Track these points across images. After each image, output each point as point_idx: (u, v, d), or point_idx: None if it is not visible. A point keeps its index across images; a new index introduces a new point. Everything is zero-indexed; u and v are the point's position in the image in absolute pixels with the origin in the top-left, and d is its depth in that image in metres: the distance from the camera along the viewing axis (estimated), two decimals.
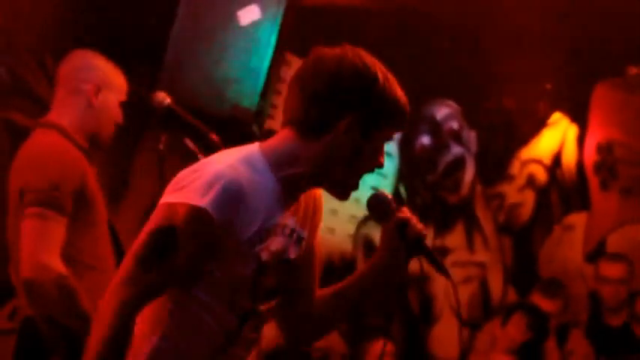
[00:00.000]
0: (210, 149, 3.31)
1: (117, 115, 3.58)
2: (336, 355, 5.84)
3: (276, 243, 2.39)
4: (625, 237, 6.88)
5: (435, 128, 6.55)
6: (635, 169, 6.90)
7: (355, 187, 2.48)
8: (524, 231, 6.84)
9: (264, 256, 2.36)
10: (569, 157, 6.95)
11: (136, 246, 2.25)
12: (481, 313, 6.60)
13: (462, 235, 6.59)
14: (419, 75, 6.23)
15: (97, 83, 3.51)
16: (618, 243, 6.82)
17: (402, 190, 6.44)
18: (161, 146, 3.41)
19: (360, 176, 2.47)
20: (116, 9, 4.70)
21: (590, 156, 6.92)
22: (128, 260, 2.25)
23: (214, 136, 3.31)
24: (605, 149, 6.89)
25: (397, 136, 6.31)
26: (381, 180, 6.31)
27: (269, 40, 5.13)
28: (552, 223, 6.89)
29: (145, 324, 2.36)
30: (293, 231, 2.46)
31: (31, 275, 3.18)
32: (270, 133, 6.16)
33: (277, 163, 2.38)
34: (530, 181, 6.86)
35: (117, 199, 5.00)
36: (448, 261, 6.52)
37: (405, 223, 2.47)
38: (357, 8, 6.02)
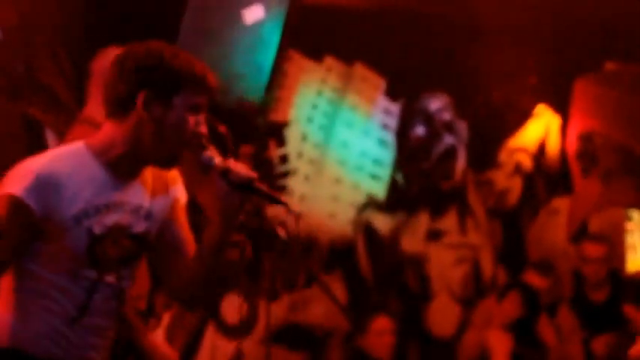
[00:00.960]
0: (219, 140, 3.23)
1: None
2: (339, 333, 5.78)
3: (112, 218, 2.49)
4: (605, 219, 6.89)
5: (429, 119, 6.52)
6: (614, 157, 6.92)
7: (174, 158, 2.53)
8: (513, 214, 6.82)
9: (97, 229, 2.46)
10: (553, 146, 6.94)
11: None
12: (473, 291, 6.55)
13: (455, 218, 6.55)
14: (414, 70, 6.22)
15: None
16: (599, 224, 6.83)
17: (399, 177, 6.35)
18: None
19: (177, 147, 2.50)
20: (127, 8, 4.61)
21: (572, 145, 6.91)
22: None
23: (223, 128, 3.21)
24: (585, 138, 6.91)
25: (394, 126, 6.35)
26: (379, 168, 6.25)
27: (272, 37, 5.15)
28: (538, 207, 6.87)
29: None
30: (139, 207, 2.54)
31: None
32: (273, 125, 6.13)
33: (99, 150, 2.50)
34: (518, 168, 6.85)
35: None
36: (443, 243, 6.47)
37: (226, 171, 2.50)
38: (355, 7, 5.97)
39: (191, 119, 2.48)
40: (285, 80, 5.83)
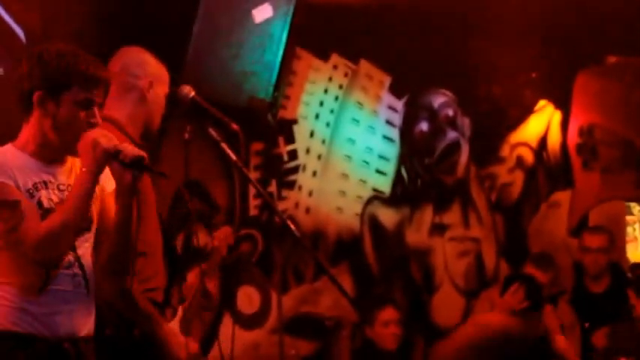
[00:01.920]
0: (231, 137, 3.29)
1: (164, 107, 3.51)
2: (347, 323, 5.82)
3: (45, 195, 2.73)
4: (605, 212, 6.92)
5: (432, 115, 6.53)
6: (614, 150, 6.92)
7: (70, 147, 2.75)
8: (515, 208, 6.83)
9: (45, 202, 2.72)
10: (554, 140, 6.95)
11: None
12: (476, 283, 6.59)
13: (458, 212, 6.57)
14: (418, 67, 6.23)
15: (149, 78, 3.42)
16: (599, 217, 6.85)
17: (404, 172, 6.38)
18: (186, 135, 3.37)
19: (73, 137, 2.72)
20: (142, 10, 4.66)
21: (573, 139, 6.94)
22: None
23: (235, 126, 3.28)
24: (586, 132, 6.91)
25: (398, 123, 6.39)
26: (385, 163, 6.28)
27: (281, 36, 5.16)
28: (540, 201, 6.90)
29: None
30: (68, 186, 2.77)
31: None
32: (282, 122, 6.16)
33: (20, 146, 2.77)
34: (519, 162, 6.86)
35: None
36: (446, 236, 6.50)
37: (117, 153, 2.69)
38: (360, 6, 5.97)
39: (81, 113, 2.72)
40: (294, 78, 5.83)
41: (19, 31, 4.29)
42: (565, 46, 6.62)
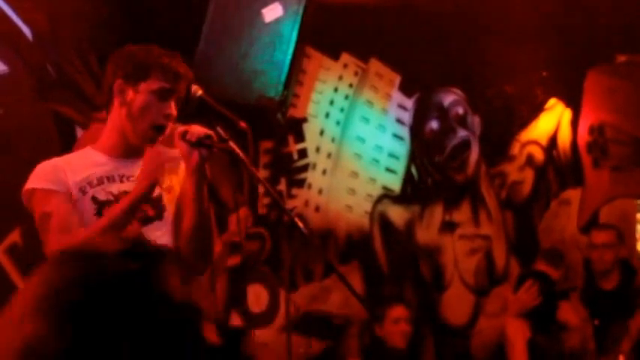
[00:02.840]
0: (240, 136, 3.27)
1: None
2: (357, 321, 5.80)
3: (117, 187, 2.82)
4: (615, 210, 6.91)
5: (443, 114, 6.51)
6: (624, 148, 6.91)
7: (144, 137, 2.83)
8: (525, 206, 6.82)
9: (102, 196, 2.80)
10: (565, 139, 6.94)
11: None
12: (487, 281, 6.57)
13: (469, 210, 6.54)
14: (428, 66, 6.22)
15: None
16: (609, 215, 6.85)
17: (414, 170, 6.36)
18: None
19: (147, 127, 2.80)
20: (152, 8, 4.65)
21: (584, 137, 6.93)
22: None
23: (243, 124, 3.25)
24: (596, 130, 6.91)
25: (408, 121, 6.37)
26: (395, 161, 6.27)
27: (291, 35, 5.17)
28: (550, 199, 6.88)
29: None
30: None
31: None
32: (292, 120, 6.13)
33: (98, 145, 2.88)
34: (530, 160, 6.85)
35: None
36: (456, 234, 6.49)
37: (184, 133, 2.81)
38: (370, 5, 5.97)
39: (157, 103, 2.80)
40: (304, 77, 5.83)
41: (27, 31, 4.28)
42: (575, 45, 6.61)
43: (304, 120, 5.87)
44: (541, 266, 6.00)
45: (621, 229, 6.13)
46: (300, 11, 5.14)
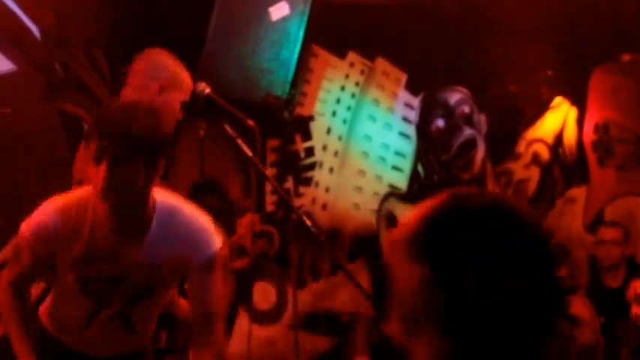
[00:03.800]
0: (246, 134, 3.26)
1: (177, 114, 3.42)
2: (365, 318, 5.77)
3: (108, 267, 2.67)
4: (620, 208, 6.84)
5: (449, 112, 6.50)
6: (629, 147, 6.87)
7: (112, 207, 2.59)
8: (530, 204, 6.75)
9: (91, 274, 2.68)
10: (570, 137, 6.90)
11: None
12: None
13: None
14: (434, 65, 6.20)
15: (162, 83, 3.33)
16: (615, 213, 6.78)
17: (420, 168, 6.35)
18: (201, 132, 3.34)
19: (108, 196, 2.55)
20: (159, 7, 4.65)
21: (589, 135, 6.87)
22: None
23: (250, 122, 3.24)
24: (602, 129, 6.86)
25: (414, 119, 6.35)
26: (401, 160, 6.25)
27: (297, 33, 5.15)
28: (555, 197, 6.84)
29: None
30: (140, 261, 2.66)
31: None
32: (299, 119, 6.12)
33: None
34: (535, 158, 6.82)
35: (162, 181, 4.97)
36: None
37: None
38: (376, 4, 5.97)
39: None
40: (311, 76, 5.84)
41: (35, 30, 4.28)
42: (581, 44, 6.57)
43: (311, 118, 5.87)
44: None
45: (627, 227, 6.13)
46: (307, 10, 5.14)
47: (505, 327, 1.32)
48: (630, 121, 6.81)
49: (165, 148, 2.58)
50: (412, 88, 6.27)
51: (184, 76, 3.41)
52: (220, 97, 3.28)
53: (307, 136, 5.85)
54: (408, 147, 6.29)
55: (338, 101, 5.97)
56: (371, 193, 6.10)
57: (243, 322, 5.28)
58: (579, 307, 5.64)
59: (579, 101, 6.85)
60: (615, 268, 5.85)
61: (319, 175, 5.87)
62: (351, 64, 6.03)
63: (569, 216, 6.86)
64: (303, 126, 5.83)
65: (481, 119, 6.60)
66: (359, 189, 6.03)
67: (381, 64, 6.15)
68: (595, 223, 6.64)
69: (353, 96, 6.03)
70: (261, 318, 5.49)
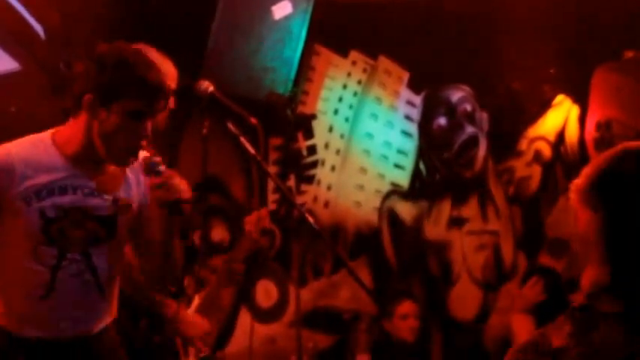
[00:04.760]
0: (250, 132, 3.28)
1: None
2: (366, 316, 5.80)
3: (68, 199, 2.57)
4: None
5: (451, 110, 6.50)
6: None
7: (115, 158, 2.60)
8: (532, 201, 6.79)
9: (50, 211, 2.55)
10: (572, 135, 6.91)
11: None
12: (494, 276, 6.55)
13: (477, 206, 6.53)
14: (436, 63, 6.20)
15: None
16: None
17: (422, 166, 6.36)
18: (205, 130, 3.35)
19: (119, 149, 2.57)
20: (163, 5, 4.66)
21: (591, 133, 6.88)
22: None
23: (253, 120, 3.26)
24: (604, 127, 6.87)
25: (417, 118, 6.36)
26: (403, 158, 6.26)
27: (300, 32, 5.18)
28: (557, 194, 6.81)
29: None
30: (103, 193, 2.62)
31: None
32: (301, 117, 6.15)
33: (60, 142, 2.60)
34: (537, 156, 6.82)
35: None
36: (464, 230, 6.47)
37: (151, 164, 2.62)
38: (379, 2, 5.96)
39: (132, 124, 2.54)
40: (313, 74, 5.83)
41: (39, 29, 4.29)
42: (583, 42, 6.57)
43: (313, 116, 5.87)
44: (545, 259, 5.98)
45: None
46: (310, 8, 5.15)
47: None
48: (632, 118, 6.81)
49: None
50: (414, 86, 6.27)
51: (165, 66, 3.44)
52: (223, 95, 3.30)
53: (309, 134, 5.84)
54: (410, 145, 6.29)
55: (340, 99, 5.98)
56: (373, 190, 6.11)
57: (245, 320, 5.29)
58: None
59: (581, 99, 6.86)
60: None
61: (321, 172, 5.86)
62: (354, 63, 6.03)
63: (571, 214, 6.84)
64: (305, 124, 5.82)
65: (483, 117, 6.61)
66: (361, 187, 6.04)
67: (384, 62, 6.15)
68: None
69: (355, 94, 6.04)
70: (262, 316, 5.49)
